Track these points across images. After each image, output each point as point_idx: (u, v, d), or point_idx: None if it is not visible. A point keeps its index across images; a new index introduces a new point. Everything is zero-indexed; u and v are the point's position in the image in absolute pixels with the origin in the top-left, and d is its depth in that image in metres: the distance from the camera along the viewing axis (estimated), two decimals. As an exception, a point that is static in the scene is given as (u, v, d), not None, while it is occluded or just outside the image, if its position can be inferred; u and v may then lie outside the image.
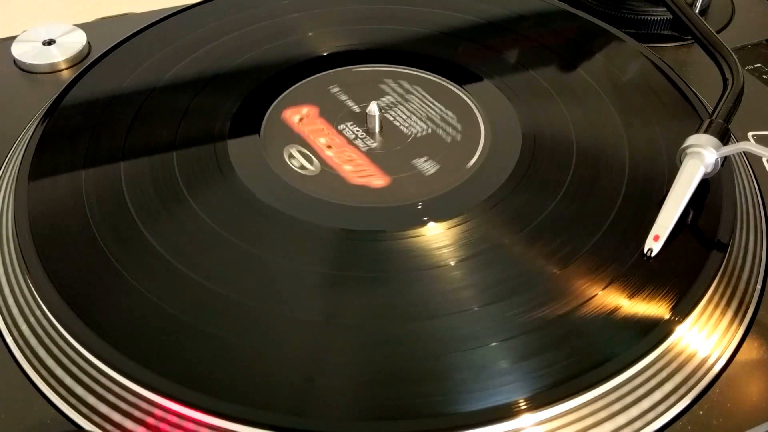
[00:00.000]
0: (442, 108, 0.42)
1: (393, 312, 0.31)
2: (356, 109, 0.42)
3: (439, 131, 0.41)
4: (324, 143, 0.40)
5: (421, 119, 0.41)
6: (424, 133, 0.41)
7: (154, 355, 0.30)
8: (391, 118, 0.42)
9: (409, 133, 0.41)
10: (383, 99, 0.43)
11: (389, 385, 0.29)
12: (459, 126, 0.41)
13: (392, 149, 0.40)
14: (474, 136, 0.40)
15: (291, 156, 0.38)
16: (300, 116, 0.42)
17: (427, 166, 0.39)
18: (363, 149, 0.40)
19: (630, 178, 0.37)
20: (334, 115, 0.42)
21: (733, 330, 0.32)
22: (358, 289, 0.32)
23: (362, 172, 0.38)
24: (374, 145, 0.40)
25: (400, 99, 0.43)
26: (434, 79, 0.44)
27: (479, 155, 0.39)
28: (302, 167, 0.38)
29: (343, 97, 0.43)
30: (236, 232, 0.35)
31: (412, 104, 0.42)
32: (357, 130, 0.41)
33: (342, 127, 0.41)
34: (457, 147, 0.40)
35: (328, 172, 0.38)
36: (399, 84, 0.44)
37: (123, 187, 0.37)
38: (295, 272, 0.33)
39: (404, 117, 0.42)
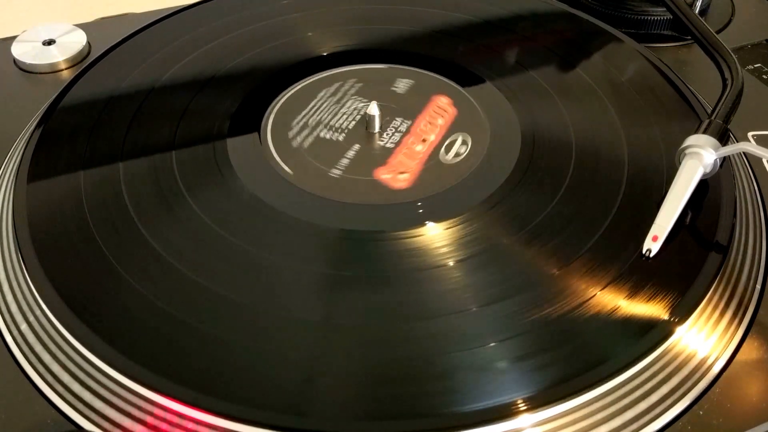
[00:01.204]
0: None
1: (393, 312, 0.31)
2: (356, 108, 0.42)
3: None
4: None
5: (421, 119, 0.41)
6: (425, 133, 0.41)
7: (153, 355, 0.30)
8: (391, 118, 0.42)
9: (410, 132, 0.41)
10: (383, 99, 0.43)
11: (389, 385, 0.29)
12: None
13: (392, 149, 0.40)
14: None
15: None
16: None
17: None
18: (363, 149, 0.40)
19: (629, 179, 0.37)
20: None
21: (733, 330, 0.32)
22: (357, 289, 0.32)
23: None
24: (374, 145, 0.40)
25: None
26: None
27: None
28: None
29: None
30: (236, 231, 0.35)
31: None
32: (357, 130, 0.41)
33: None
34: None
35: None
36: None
37: (122, 187, 0.37)
38: (294, 272, 0.33)
39: (404, 117, 0.42)
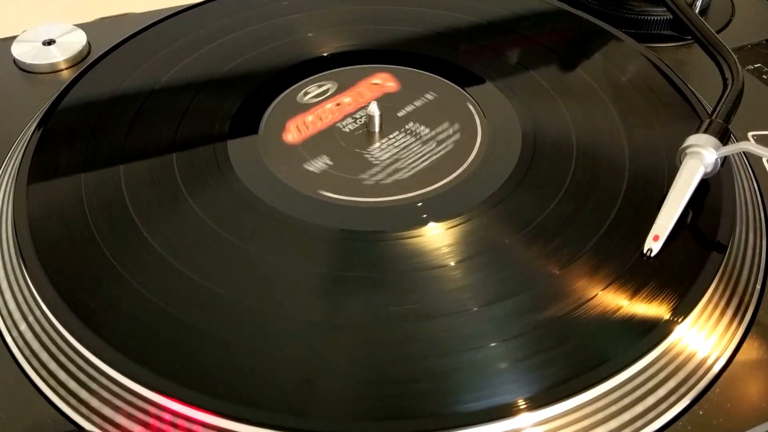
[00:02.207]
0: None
1: (393, 312, 0.31)
2: (357, 108, 0.42)
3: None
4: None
5: (423, 129, 0.41)
6: (425, 133, 0.41)
7: (153, 355, 0.30)
8: (395, 122, 0.42)
9: (404, 140, 0.41)
10: (398, 102, 0.43)
11: (389, 385, 0.29)
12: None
13: (379, 152, 0.40)
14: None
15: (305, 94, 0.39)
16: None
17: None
18: (363, 149, 0.40)
19: (630, 178, 0.37)
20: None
21: (733, 330, 0.32)
22: (357, 289, 0.32)
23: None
24: (374, 144, 0.40)
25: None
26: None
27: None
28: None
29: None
30: (236, 232, 0.35)
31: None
32: (357, 130, 0.41)
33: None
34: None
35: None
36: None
37: (122, 187, 0.37)
38: (294, 272, 0.33)
39: (408, 124, 0.42)
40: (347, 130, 0.41)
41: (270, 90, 0.43)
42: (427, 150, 0.40)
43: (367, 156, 0.39)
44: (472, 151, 0.39)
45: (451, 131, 0.41)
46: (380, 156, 0.39)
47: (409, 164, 0.39)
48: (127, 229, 0.35)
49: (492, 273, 0.33)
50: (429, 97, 0.43)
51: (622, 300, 0.32)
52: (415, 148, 0.40)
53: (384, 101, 0.42)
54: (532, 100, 0.42)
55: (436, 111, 0.42)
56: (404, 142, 0.40)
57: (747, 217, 0.36)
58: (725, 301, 0.33)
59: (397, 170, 0.38)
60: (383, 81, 0.44)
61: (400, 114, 0.42)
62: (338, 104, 0.41)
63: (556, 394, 0.28)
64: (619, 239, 0.34)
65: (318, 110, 0.41)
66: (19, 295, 0.33)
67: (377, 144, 0.40)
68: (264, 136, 0.40)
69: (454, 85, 0.44)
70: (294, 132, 0.39)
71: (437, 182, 0.37)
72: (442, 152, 0.40)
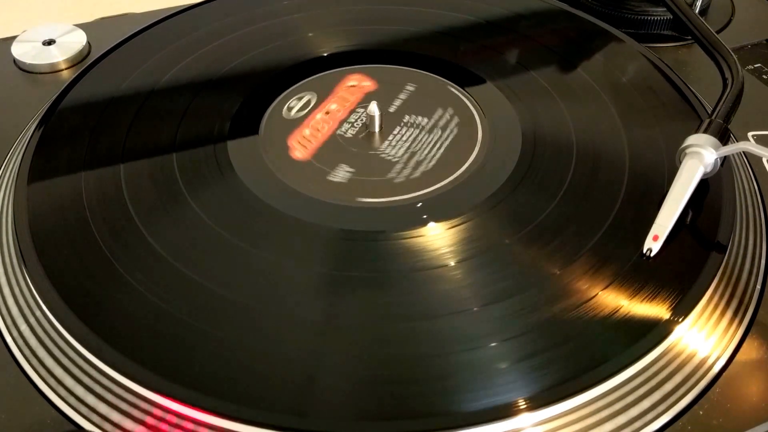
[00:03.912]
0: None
1: (393, 312, 0.31)
2: (357, 108, 0.42)
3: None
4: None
5: (421, 119, 0.41)
6: (425, 123, 0.41)
7: (153, 355, 0.30)
8: (391, 119, 0.42)
9: (409, 133, 0.41)
10: (384, 99, 0.43)
11: (389, 384, 0.29)
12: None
13: (391, 149, 0.40)
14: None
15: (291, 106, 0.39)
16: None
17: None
18: (375, 150, 0.40)
19: (630, 178, 0.37)
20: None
21: (733, 330, 0.32)
22: (358, 289, 0.32)
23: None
24: (383, 144, 0.40)
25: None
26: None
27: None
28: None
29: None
30: (236, 232, 0.35)
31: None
32: (359, 133, 0.41)
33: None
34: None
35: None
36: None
37: (123, 187, 0.37)
38: (295, 272, 0.33)
39: (404, 118, 0.42)
40: (349, 135, 0.41)
41: (270, 90, 0.43)
42: (435, 138, 0.40)
43: (383, 156, 0.39)
44: (472, 151, 0.39)
45: (447, 116, 0.41)
46: (396, 153, 0.39)
47: (427, 154, 0.39)
48: (127, 229, 0.35)
49: (492, 273, 0.33)
50: (410, 88, 0.43)
51: (622, 300, 0.32)
52: (424, 138, 0.40)
53: (370, 100, 0.42)
54: (532, 100, 0.42)
55: (424, 100, 0.42)
56: (411, 134, 0.40)
57: (747, 217, 0.36)
58: (725, 301, 0.33)
59: (419, 162, 0.38)
60: (358, 81, 0.44)
61: (391, 110, 0.42)
62: (327, 112, 0.41)
63: (556, 394, 0.28)
64: (619, 239, 0.34)
65: (311, 122, 0.41)
66: (19, 295, 0.33)
67: (386, 143, 0.40)
68: (264, 135, 0.40)
69: (454, 84, 0.44)
70: (299, 148, 0.38)
71: (437, 182, 0.37)
72: (451, 137, 0.40)
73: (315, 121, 0.41)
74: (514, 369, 0.29)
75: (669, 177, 0.36)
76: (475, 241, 0.34)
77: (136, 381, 0.29)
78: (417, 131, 0.40)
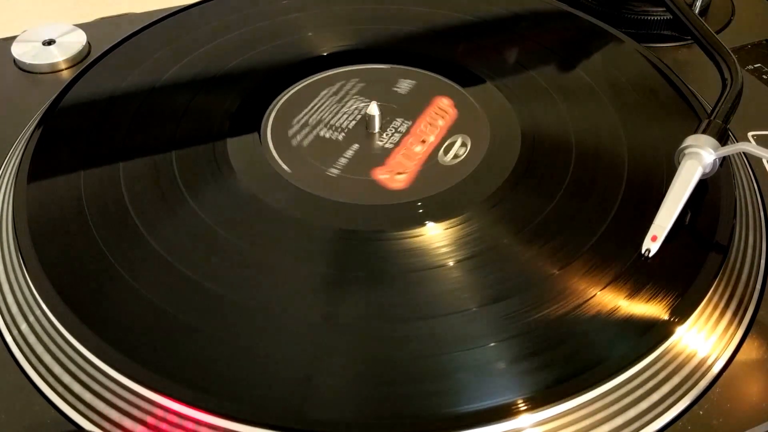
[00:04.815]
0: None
1: (393, 312, 0.31)
2: (357, 108, 0.42)
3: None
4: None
5: (421, 120, 0.41)
6: (424, 134, 0.41)
7: (153, 355, 0.30)
8: (391, 118, 0.42)
9: (409, 133, 0.41)
10: (384, 99, 0.43)
11: (389, 385, 0.29)
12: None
13: (391, 149, 0.40)
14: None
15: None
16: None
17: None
18: (362, 149, 0.40)
19: (629, 178, 0.37)
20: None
21: (733, 330, 0.32)
22: (357, 289, 0.32)
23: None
24: (373, 145, 0.40)
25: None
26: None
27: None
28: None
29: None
30: (236, 231, 0.35)
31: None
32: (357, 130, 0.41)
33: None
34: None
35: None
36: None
37: (122, 187, 0.37)
38: (294, 272, 0.33)
39: (404, 117, 0.42)
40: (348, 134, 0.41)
41: (270, 89, 0.43)
42: (426, 150, 0.40)
43: (366, 156, 0.39)
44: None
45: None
46: (378, 155, 0.39)
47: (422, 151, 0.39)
48: (127, 228, 0.35)
49: (491, 273, 0.33)
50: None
51: (621, 300, 0.32)
52: (414, 149, 0.40)
53: (383, 100, 0.42)
54: (532, 100, 0.42)
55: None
56: (403, 142, 0.40)
57: (747, 217, 0.36)
58: (725, 301, 0.33)
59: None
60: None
61: (399, 114, 0.42)
62: (421, 139, 0.40)
63: (556, 394, 0.28)
64: (618, 239, 0.34)
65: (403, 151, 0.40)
66: (19, 294, 0.33)
67: (376, 144, 0.40)
68: (264, 135, 0.40)
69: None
70: (394, 178, 0.37)
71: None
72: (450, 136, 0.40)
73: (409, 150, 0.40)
74: (514, 369, 0.29)
75: (668, 177, 0.36)
76: (475, 241, 0.34)
77: (136, 381, 0.29)
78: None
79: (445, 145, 0.40)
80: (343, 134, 0.41)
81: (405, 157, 0.39)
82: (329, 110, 0.42)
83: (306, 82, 0.44)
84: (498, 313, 0.31)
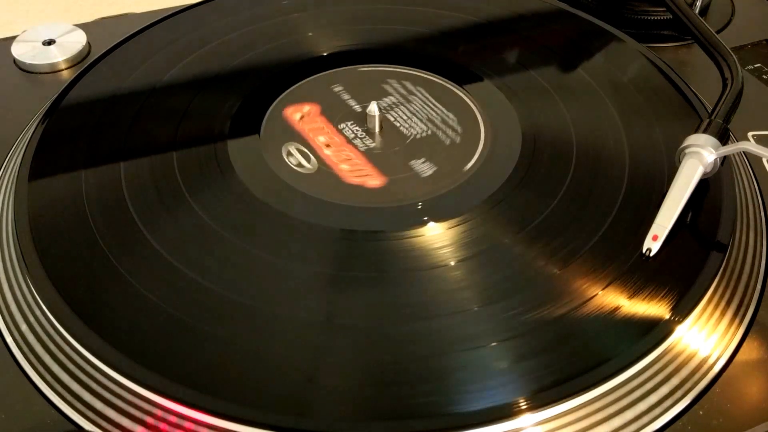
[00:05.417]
0: (443, 109, 0.42)
1: (393, 312, 0.31)
2: (357, 108, 0.42)
3: (440, 133, 0.41)
4: (323, 142, 0.40)
5: (421, 120, 0.41)
6: (424, 134, 0.41)
7: (153, 355, 0.30)
8: (392, 119, 0.42)
9: (409, 134, 0.41)
10: (384, 99, 0.43)
11: (389, 385, 0.29)
12: (459, 127, 0.41)
13: (391, 150, 0.40)
14: (474, 136, 0.40)
15: (289, 153, 0.38)
16: (301, 114, 0.42)
17: (424, 167, 0.39)
18: (361, 149, 0.40)
19: (630, 178, 0.37)
20: (335, 114, 0.42)
21: (733, 330, 0.32)
22: (358, 289, 0.32)
23: (359, 172, 0.38)
24: (373, 145, 0.40)
25: (401, 99, 0.43)
26: (434, 79, 0.44)
27: (479, 155, 0.39)
28: (299, 165, 0.38)
29: (345, 97, 0.43)
30: (236, 232, 0.35)
31: (413, 105, 0.42)
32: (357, 130, 0.41)
33: (342, 126, 0.41)
34: (458, 147, 0.40)
35: (324, 170, 0.38)
36: (401, 84, 0.44)
37: (123, 187, 0.37)
38: (294, 272, 0.33)
39: (405, 117, 0.42)
40: (347, 130, 0.41)
41: (271, 89, 0.43)
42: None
43: (364, 155, 0.39)
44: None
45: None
46: (378, 156, 0.39)
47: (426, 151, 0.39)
48: (128, 228, 0.35)
49: (492, 273, 0.33)
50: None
51: (622, 300, 0.32)
52: (415, 148, 0.40)
53: (386, 101, 0.42)
54: (532, 100, 0.42)
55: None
56: (403, 142, 0.40)
57: (747, 217, 0.36)
58: (725, 301, 0.33)
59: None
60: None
61: (401, 115, 0.42)
62: (328, 145, 0.39)
63: (557, 394, 0.28)
64: (619, 239, 0.34)
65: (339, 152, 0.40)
66: (19, 294, 0.33)
67: (376, 143, 0.40)
68: (264, 135, 0.40)
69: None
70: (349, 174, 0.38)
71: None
72: (451, 136, 0.40)
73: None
74: (514, 369, 0.29)
75: (669, 177, 0.36)
76: (475, 241, 0.34)
77: (136, 381, 0.29)
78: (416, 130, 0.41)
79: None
80: (342, 134, 0.41)
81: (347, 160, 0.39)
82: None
83: (306, 82, 0.44)
84: (498, 313, 0.31)
